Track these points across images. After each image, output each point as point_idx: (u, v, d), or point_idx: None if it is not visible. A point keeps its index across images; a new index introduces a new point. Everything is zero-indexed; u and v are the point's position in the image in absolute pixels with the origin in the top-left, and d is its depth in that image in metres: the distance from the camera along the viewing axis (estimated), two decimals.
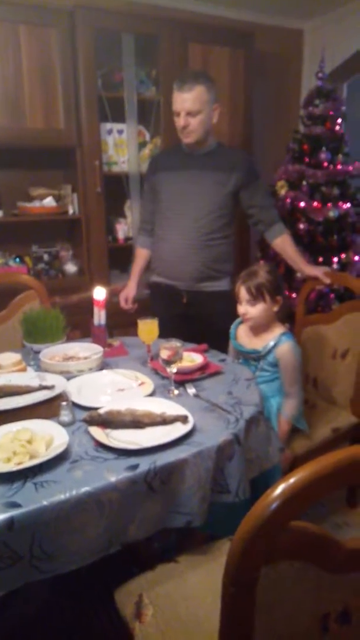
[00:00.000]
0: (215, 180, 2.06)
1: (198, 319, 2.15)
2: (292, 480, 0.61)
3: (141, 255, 2.35)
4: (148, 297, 2.38)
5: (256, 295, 1.76)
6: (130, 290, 2.33)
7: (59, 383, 1.39)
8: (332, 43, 3.35)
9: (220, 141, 2.19)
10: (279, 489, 0.61)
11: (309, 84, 3.58)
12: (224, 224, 2.12)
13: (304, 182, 2.89)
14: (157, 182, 2.17)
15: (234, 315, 1.88)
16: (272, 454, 1.40)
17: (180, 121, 1.98)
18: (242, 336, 1.92)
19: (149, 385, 1.49)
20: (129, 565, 1.40)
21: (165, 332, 1.71)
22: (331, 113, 2.88)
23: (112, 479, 1.04)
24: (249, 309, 1.79)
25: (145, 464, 1.09)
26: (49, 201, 2.87)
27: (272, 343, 1.78)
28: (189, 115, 1.96)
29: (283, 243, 2.14)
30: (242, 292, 1.79)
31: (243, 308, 1.80)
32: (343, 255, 2.87)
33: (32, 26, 2.53)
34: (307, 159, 2.93)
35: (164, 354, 1.44)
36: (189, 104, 1.94)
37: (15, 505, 0.95)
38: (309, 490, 0.62)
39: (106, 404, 1.35)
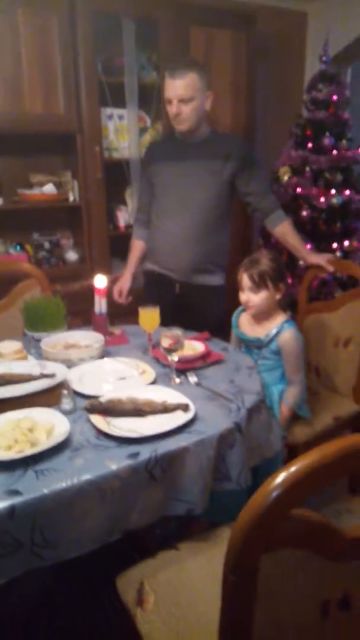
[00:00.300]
0: (210, 170, 2.02)
1: (190, 309, 2.13)
2: (293, 468, 0.61)
3: (137, 247, 2.32)
4: (142, 288, 2.36)
5: (259, 283, 1.74)
6: (124, 282, 2.30)
7: (60, 371, 1.39)
8: (336, 26, 3.28)
9: (214, 127, 2.14)
10: (280, 477, 0.61)
11: (312, 67, 3.52)
12: (220, 215, 2.09)
13: (307, 168, 2.86)
14: (153, 173, 2.15)
15: (225, 309, 1.86)
16: (273, 442, 1.40)
17: (172, 109, 1.94)
18: (244, 324, 1.91)
19: (150, 374, 1.49)
20: (130, 552, 1.40)
21: (160, 320, 1.70)
22: (335, 98, 2.83)
23: (114, 467, 1.04)
24: (252, 297, 1.77)
25: (146, 452, 1.09)
26: (49, 188, 2.85)
27: (274, 331, 1.77)
28: (181, 102, 1.93)
29: (284, 231, 2.11)
30: (245, 280, 1.77)
31: (245, 296, 1.79)
32: (346, 243, 2.84)
33: (31, 10, 2.48)
34: (310, 145, 2.88)
35: (165, 342, 1.43)
36: (181, 90, 1.91)
37: (16, 493, 0.96)
38: (311, 479, 0.62)
39: (107, 392, 1.35)
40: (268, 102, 3.53)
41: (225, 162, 2.01)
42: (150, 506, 1.10)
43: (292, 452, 1.80)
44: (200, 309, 2.14)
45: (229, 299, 2.32)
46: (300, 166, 2.89)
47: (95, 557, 1.17)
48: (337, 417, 1.92)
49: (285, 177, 2.92)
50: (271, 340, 1.79)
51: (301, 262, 2.65)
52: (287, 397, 1.79)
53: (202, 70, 1.96)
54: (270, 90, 3.54)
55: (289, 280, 2.77)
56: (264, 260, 1.76)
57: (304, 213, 2.82)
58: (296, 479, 0.61)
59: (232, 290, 2.08)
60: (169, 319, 1.72)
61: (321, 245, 2.81)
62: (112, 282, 2.29)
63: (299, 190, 2.84)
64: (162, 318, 1.73)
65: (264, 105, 3.43)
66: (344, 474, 0.66)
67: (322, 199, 2.77)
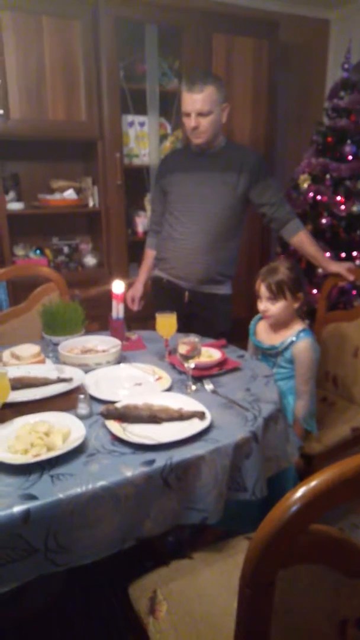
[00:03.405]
0: (224, 181, 2.02)
1: (198, 318, 2.13)
2: (313, 483, 0.60)
3: (150, 256, 2.33)
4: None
5: (277, 293, 1.73)
6: (136, 290, 2.32)
7: (77, 376, 1.39)
8: (359, 33, 3.26)
9: (229, 139, 2.14)
10: (300, 491, 0.59)
11: (334, 75, 3.51)
12: (232, 226, 2.08)
13: (328, 176, 2.84)
14: (167, 183, 2.15)
15: (233, 317, 1.85)
16: (290, 452, 1.38)
17: (190, 122, 1.94)
18: (261, 332, 1.89)
19: (167, 380, 1.48)
20: (143, 560, 1.40)
21: None
22: (357, 106, 2.81)
23: (128, 473, 1.04)
24: (270, 307, 1.76)
25: (161, 459, 1.08)
26: (70, 193, 2.88)
27: (289, 339, 1.76)
28: (199, 115, 1.93)
29: (301, 240, 2.08)
30: (263, 290, 1.76)
31: (263, 305, 1.78)
32: None
33: (55, 17, 2.52)
34: (331, 152, 2.86)
35: (183, 349, 1.43)
36: (200, 104, 1.91)
37: (31, 497, 0.96)
38: (330, 494, 0.60)
39: (123, 397, 1.34)
40: (289, 109, 3.53)
41: (239, 174, 2.01)
42: (165, 514, 1.09)
43: (307, 462, 1.77)
44: (208, 317, 2.14)
45: (247, 307, 2.32)
46: (320, 174, 2.87)
47: (108, 564, 1.17)
48: (355, 428, 1.88)
49: (305, 185, 2.90)
50: (286, 348, 1.77)
51: (320, 270, 2.63)
52: (296, 410, 1.77)
53: (220, 82, 1.96)
54: (291, 97, 3.54)
55: (308, 289, 2.75)
56: (282, 269, 1.75)
57: (324, 221, 2.80)
58: (316, 494, 0.59)
59: (249, 298, 2.07)
60: (180, 327, 1.72)
61: (341, 253, 2.78)
62: (131, 286, 2.30)
63: (319, 197, 2.82)
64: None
65: (284, 112, 3.43)
66: None
67: (343, 207, 2.75)
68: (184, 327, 1.80)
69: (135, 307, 2.31)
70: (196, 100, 1.91)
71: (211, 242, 2.06)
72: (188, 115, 1.95)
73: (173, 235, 2.13)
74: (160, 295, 2.24)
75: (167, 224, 2.17)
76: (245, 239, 2.38)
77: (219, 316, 2.17)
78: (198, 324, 2.04)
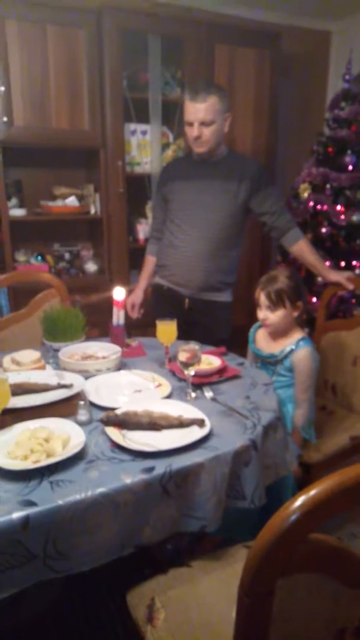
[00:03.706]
0: (225, 190, 2.04)
1: (198, 326, 2.13)
2: (312, 492, 0.60)
3: (150, 263, 2.34)
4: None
5: (276, 302, 1.74)
6: (136, 297, 2.33)
7: (77, 382, 1.40)
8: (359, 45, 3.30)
9: (231, 148, 2.16)
10: (299, 500, 0.60)
11: (335, 86, 3.53)
12: (233, 235, 2.10)
13: (328, 186, 2.86)
14: (168, 191, 2.17)
15: (233, 325, 1.86)
16: (289, 460, 1.39)
17: (193, 131, 1.96)
18: (261, 340, 1.90)
19: (166, 387, 1.49)
20: (141, 567, 1.39)
21: None
22: (357, 116, 2.83)
23: (128, 480, 1.04)
24: (269, 315, 1.77)
25: (161, 466, 1.08)
26: (72, 200, 2.89)
27: (289, 348, 1.76)
28: (202, 125, 1.94)
29: (301, 250, 2.10)
30: (262, 298, 1.77)
31: (263, 314, 1.78)
32: None
33: (60, 27, 2.55)
34: (331, 163, 2.89)
35: (183, 356, 1.43)
36: (202, 114, 1.93)
37: (30, 503, 0.96)
38: (330, 503, 0.61)
39: (123, 404, 1.35)
40: (290, 119, 3.55)
41: (240, 183, 2.03)
42: (164, 521, 1.09)
43: (306, 470, 1.77)
44: (208, 324, 2.15)
45: (246, 315, 2.32)
46: (320, 183, 2.89)
47: (106, 571, 1.17)
48: (354, 437, 1.88)
49: (305, 194, 2.92)
50: (286, 356, 1.77)
51: (319, 279, 2.64)
52: (294, 418, 1.77)
53: (222, 92, 1.98)
54: (292, 107, 3.56)
55: (307, 297, 2.76)
56: (282, 278, 1.76)
57: (324, 230, 2.81)
58: (315, 503, 0.60)
59: (249, 306, 2.08)
60: (180, 334, 1.73)
61: (341, 262, 2.80)
62: (129, 294, 2.31)
63: (319, 207, 2.83)
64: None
65: (286, 122, 3.45)
66: None
67: (342, 217, 2.76)
68: (184, 334, 1.81)
69: (134, 315, 2.32)
70: (199, 110, 1.93)
71: (212, 250, 2.07)
72: (191, 124, 1.97)
73: (174, 242, 2.14)
74: (161, 303, 2.24)
75: (167, 231, 2.18)
76: (246, 247, 2.39)
77: (219, 323, 2.18)
78: (198, 331, 2.04)
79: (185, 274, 2.12)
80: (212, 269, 2.10)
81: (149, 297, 2.34)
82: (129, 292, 2.31)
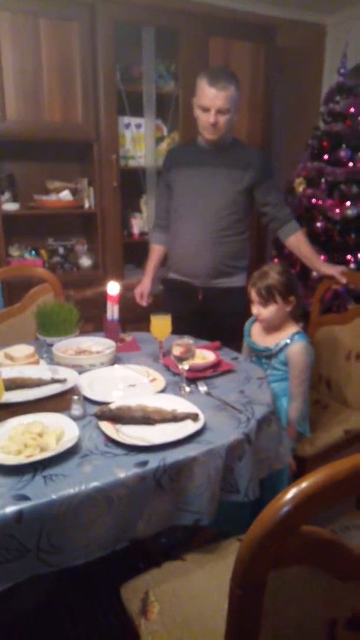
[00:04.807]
0: (228, 177, 2.04)
1: (212, 315, 2.14)
2: (304, 484, 0.60)
3: (155, 251, 2.34)
4: (161, 293, 2.38)
5: (267, 298, 1.74)
6: (145, 286, 2.32)
7: (70, 377, 1.39)
8: (355, 38, 3.28)
9: (237, 137, 2.16)
10: (291, 493, 0.60)
11: (329, 80, 3.53)
12: (238, 221, 2.10)
13: (323, 180, 2.85)
14: (171, 178, 2.16)
15: (248, 312, 1.87)
16: (282, 454, 1.39)
17: (209, 118, 1.94)
18: (256, 334, 1.90)
19: (161, 382, 1.49)
20: (135, 561, 1.40)
21: (179, 329, 1.70)
22: (352, 110, 2.82)
23: (121, 475, 1.04)
24: (262, 311, 1.77)
25: (154, 460, 1.09)
26: (66, 195, 2.88)
27: (283, 342, 1.77)
28: (218, 113, 1.94)
29: (298, 241, 2.12)
30: (253, 294, 1.78)
31: (255, 309, 1.80)
32: None
33: (53, 19, 2.53)
34: (326, 157, 2.88)
35: (177, 350, 1.43)
36: (221, 101, 1.92)
37: (24, 497, 0.96)
38: (322, 496, 0.61)
39: (117, 399, 1.35)
40: (285, 113, 3.54)
41: (244, 172, 2.03)
42: (158, 515, 1.10)
43: (300, 464, 1.78)
44: (223, 313, 2.15)
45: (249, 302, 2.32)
46: (315, 178, 2.89)
47: (100, 565, 1.17)
48: (348, 431, 1.89)
49: (300, 188, 2.92)
50: (280, 350, 1.78)
51: (314, 274, 2.64)
52: (289, 412, 1.78)
53: (238, 82, 1.98)
54: (287, 101, 3.55)
55: (302, 292, 2.76)
56: (272, 274, 1.76)
57: (319, 224, 2.81)
58: (307, 495, 0.60)
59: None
60: (191, 327, 1.73)
61: (335, 257, 2.80)
62: (125, 287, 2.30)
63: (313, 201, 2.83)
64: (185, 326, 1.73)
65: (280, 116, 3.44)
66: (355, 492, 0.65)
67: (337, 211, 2.76)
68: (200, 326, 1.82)
69: (144, 303, 2.32)
70: (219, 97, 1.92)
71: (215, 236, 2.08)
72: (207, 110, 1.95)
73: (177, 231, 2.16)
74: (173, 297, 2.25)
75: (172, 222, 2.19)
76: None
77: (233, 311, 2.16)
78: (212, 321, 2.07)
79: (193, 262, 2.12)
80: (220, 255, 2.10)
81: (155, 286, 2.34)
82: (135, 284, 2.32)
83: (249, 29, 2.99)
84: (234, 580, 0.65)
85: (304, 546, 0.65)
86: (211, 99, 1.92)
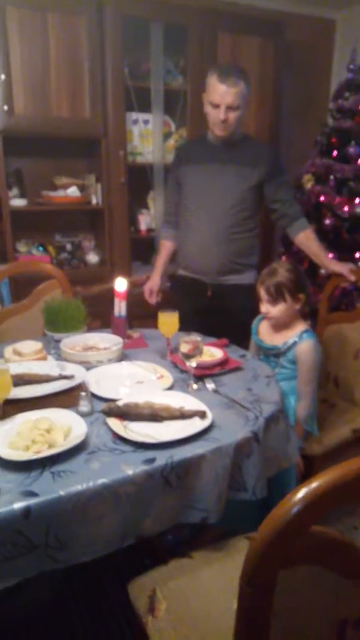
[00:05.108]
0: (238, 174, 2.03)
1: (221, 312, 2.13)
2: (314, 484, 0.60)
3: (165, 247, 2.33)
4: (169, 290, 2.37)
5: (276, 296, 1.73)
6: (154, 283, 2.32)
7: (78, 373, 1.39)
8: None
9: (247, 133, 2.15)
10: (301, 492, 0.59)
11: (339, 76, 3.49)
12: (247, 217, 2.09)
13: (331, 177, 2.83)
14: (181, 174, 2.16)
15: (257, 309, 1.86)
16: (291, 452, 1.38)
17: (219, 114, 1.94)
18: (263, 332, 1.89)
19: (168, 379, 1.48)
20: (142, 558, 1.40)
21: (187, 326, 1.70)
22: None
23: (129, 471, 1.04)
24: (270, 309, 1.76)
25: (162, 458, 1.08)
26: (73, 191, 2.88)
27: (292, 340, 1.76)
28: (229, 109, 1.93)
29: (307, 238, 2.10)
30: (262, 292, 1.77)
31: (264, 307, 1.79)
32: None
33: (61, 14, 2.52)
34: (335, 153, 2.86)
35: (184, 347, 1.43)
36: (232, 98, 1.91)
37: (32, 494, 0.96)
38: (332, 496, 0.60)
39: (125, 395, 1.35)
40: (293, 109, 3.52)
41: (254, 168, 2.02)
42: (165, 513, 1.09)
43: (308, 463, 1.77)
44: (232, 309, 2.14)
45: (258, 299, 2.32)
46: (324, 174, 2.86)
47: (107, 562, 1.17)
48: (356, 430, 1.88)
49: (309, 185, 2.90)
50: (289, 349, 1.77)
51: (322, 271, 2.63)
52: (297, 410, 1.77)
53: (248, 79, 1.97)
54: (295, 97, 3.52)
55: (310, 289, 2.74)
56: (281, 272, 1.75)
57: (327, 221, 2.79)
58: (317, 495, 0.59)
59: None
60: (200, 324, 1.72)
61: (344, 254, 2.78)
62: (133, 284, 2.30)
63: (322, 198, 2.81)
64: (193, 323, 1.73)
65: (289, 112, 3.42)
66: None
67: (346, 208, 2.74)
68: (209, 323, 1.81)
69: (153, 300, 2.31)
70: (229, 93, 1.91)
71: (225, 233, 2.07)
72: (217, 106, 1.94)
73: (186, 227, 2.15)
74: (183, 295, 2.24)
75: (182, 219, 2.19)
76: None
77: (242, 308, 2.14)
78: (221, 318, 2.06)
79: (202, 258, 2.12)
80: (229, 252, 2.10)
81: (165, 283, 2.33)
82: (144, 280, 2.31)
83: (258, 25, 2.96)
84: (243, 579, 0.65)
85: (314, 546, 0.65)
86: (221, 95, 1.91)
